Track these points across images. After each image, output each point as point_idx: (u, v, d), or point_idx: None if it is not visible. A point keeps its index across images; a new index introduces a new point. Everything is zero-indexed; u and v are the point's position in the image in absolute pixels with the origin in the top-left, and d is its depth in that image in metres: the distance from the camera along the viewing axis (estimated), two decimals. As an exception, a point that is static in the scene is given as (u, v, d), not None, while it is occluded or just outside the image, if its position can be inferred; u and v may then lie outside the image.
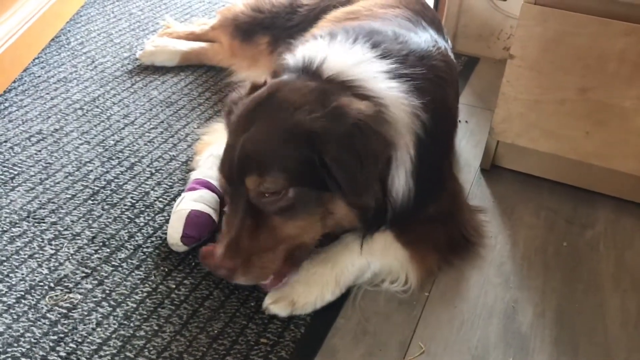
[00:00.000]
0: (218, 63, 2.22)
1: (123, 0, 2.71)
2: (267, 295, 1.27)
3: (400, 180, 1.25)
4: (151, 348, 1.19)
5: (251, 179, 1.16)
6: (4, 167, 1.63)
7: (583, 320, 1.34)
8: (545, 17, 1.50)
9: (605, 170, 1.63)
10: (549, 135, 1.63)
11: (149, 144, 1.78)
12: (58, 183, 1.59)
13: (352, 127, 1.14)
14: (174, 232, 1.36)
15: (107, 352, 1.17)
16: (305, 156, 1.14)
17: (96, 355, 1.16)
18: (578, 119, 1.58)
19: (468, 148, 1.89)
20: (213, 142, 1.61)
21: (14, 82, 2.00)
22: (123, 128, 1.84)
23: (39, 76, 2.07)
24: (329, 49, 1.29)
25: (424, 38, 1.47)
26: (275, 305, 1.26)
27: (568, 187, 1.74)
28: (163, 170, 1.67)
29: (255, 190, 1.16)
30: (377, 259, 1.33)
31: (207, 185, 1.45)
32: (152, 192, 1.59)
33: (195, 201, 1.40)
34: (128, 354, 1.17)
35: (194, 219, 1.36)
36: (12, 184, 1.57)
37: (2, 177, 1.59)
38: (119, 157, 1.71)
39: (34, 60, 2.14)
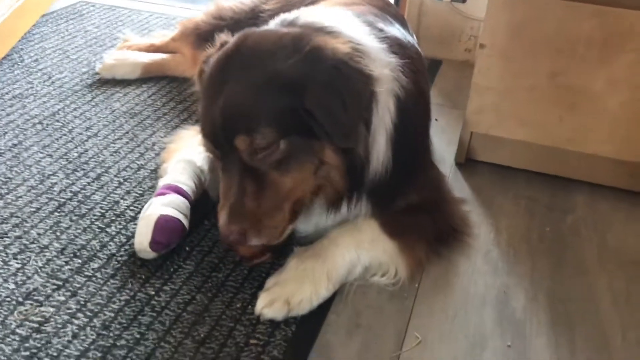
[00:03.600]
0: (181, 74, 2.17)
1: (77, 18, 2.64)
2: (259, 299, 1.21)
3: (381, 140, 1.23)
4: (134, 357, 1.11)
5: (240, 139, 1.11)
6: (-40, 183, 1.53)
7: (575, 303, 1.32)
8: (513, 4, 1.51)
9: (581, 156, 1.64)
10: (522, 123, 1.63)
11: (114, 154, 1.71)
12: (20, 197, 1.50)
13: (331, 69, 1.11)
14: (142, 238, 1.29)
15: (86, 364, 1.08)
16: (289, 105, 1.11)
17: (74, 369, 1.08)
18: (550, 104, 1.59)
19: (441, 145, 1.88)
20: (180, 149, 1.55)
21: (-34, 99, 1.90)
22: (86, 140, 1.76)
23: (-8, 93, 1.97)
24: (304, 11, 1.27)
25: (396, 30, 1.46)
26: (270, 308, 1.19)
27: (544, 175, 1.74)
28: (131, 179, 1.60)
29: (247, 150, 1.12)
30: (366, 251, 1.29)
31: (177, 190, 1.39)
32: (121, 201, 1.52)
33: (164, 205, 1.33)
34: (109, 364, 1.09)
35: (163, 223, 1.29)
36: (-31, 200, 1.47)
37: (-42, 194, 1.49)
38: (84, 169, 1.63)
39: (-15, 77, 2.04)
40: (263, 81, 1.13)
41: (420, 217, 1.38)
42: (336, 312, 1.25)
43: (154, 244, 1.28)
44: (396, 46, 1.32)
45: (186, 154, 1.49)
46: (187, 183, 1.40)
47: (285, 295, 1.20)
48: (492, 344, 1.20)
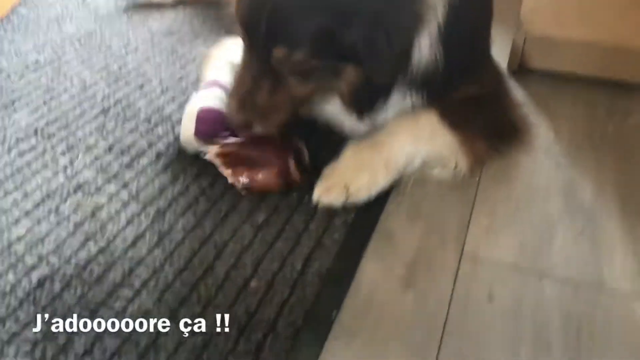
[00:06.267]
0: (217, 1, 2.10)
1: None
2: (316, 187, 1.17)
3: (425, 41, 1.16)
4: (192, 239, 1.08)
5: (279, 50, 1.09)
6: (3, 93, 1.49)
7: (644, 194, 1.25)
8: None
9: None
10: (581, 20, 1.54)
11: (155, 67, 1.66)
12: (63, 103, 1.47)
13: (384, 2, 1.07)
14: (186, 130, 1.26)
15: (143, 246, 1.05)
16: (335, 30, 1.07)
17: (131, 250, 1.04)
18: (613, -2, 1.50)
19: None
20: (222, 52, 1.50)
21: (0, 21, 1.86)
22: (125, 55, 1.72)
23: (28, 16, 1.93)
24: None
25: None
26: (328, 194, 1.16)
27: (604, 82, 1.65)
28: (174, 88, 1.56)
29: (279, 59, 1.11)
30: (425, 142, 1.23)
31: (218, 84, 1.34)
32: (166, 106, 1.48)
33: (205, 98, 1.29)
34: (167, 245, 1.06)
35: (205, 114, 1.26)
36: (13, 107, 1.44)
37: (2, 101, 1.46)
38: (125, 79, 1.59)
39: (19, 1, 2.00)
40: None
41: (480, 111, 1.31)
42: (395, 202, 1.20)
43: (198, 133, 1.24)
44: None
45: (226, 54, 1.44)
46: (227, 78, 1.35)
47: (343, 182, 1.16)
48: (562, 229, 1.15)
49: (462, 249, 1.09)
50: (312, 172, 1.20)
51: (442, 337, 0.92)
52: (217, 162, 1.19)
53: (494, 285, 1.02)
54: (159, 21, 1.94)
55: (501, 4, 1.37)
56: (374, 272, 1.04)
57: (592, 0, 1.52)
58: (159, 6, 2.05)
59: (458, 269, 1.04)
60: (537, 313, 0.97)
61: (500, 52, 1.73)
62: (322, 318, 0.94)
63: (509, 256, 1.08)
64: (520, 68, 1.70)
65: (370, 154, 1.19)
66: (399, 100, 1.26)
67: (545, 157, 1.36)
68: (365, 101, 1.23)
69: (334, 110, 1.28)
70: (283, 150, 1.20)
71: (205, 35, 1.86)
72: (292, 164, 1.18)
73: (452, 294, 0.99)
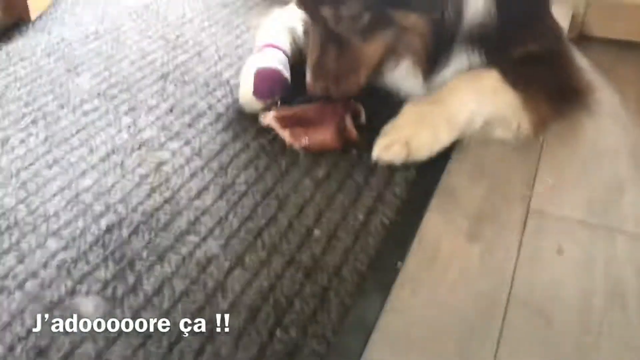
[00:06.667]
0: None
1: None
2: (376, 144, 1.15)
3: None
4: (255, 191, 1.08)
5: (325, 9, 1.12)
6: (66, 59, 1.53)
7: None
8: None
9: None
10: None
11: (211, 36, 1.68)
12: (123, 69, 1.49)
13: None
14: (245, 90, 1.27)
15: (208, 197, 1.06)
16: None
17: (197, 200, 1.05)
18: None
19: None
20: (275, 18, 1.51)
21: (62, -5, 1.91)
22: (182, 25, 1.74)
23: (86, -9, 1.97)
24: None
25: None
26: (388, 151, 1.14)
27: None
28: (231, 55, 1.57)
29: (332, 18, 1.13)
30: (488, 100, 1.20)
31: (273, 46, 1.35)
32: (224, 72, 1.49)
33: (261, 60, 1.29)
34: (230, 196, 1.06)
35: (263, 73, 1.26)
36: (76, 72, 1.48)
37: (66, 66, 1.49)
38: (183, 47, 1.61)
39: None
40: None
41: (542, 70, 1.27)
42: (457, 161, 1.18)
43: (257, 92, 1.24)
44: None
45: (279, 19, 1.45)
46: (281, 39, 1.36)
47: (403, 138, 1.14)
48: (632, 187, 1.11)
49: (528, 206, 1.06)
50: (371, 132, 1.18)
51: (510, 287, 0.90)
52: (275, 125, 1.19)
53: (563, 240, 0.99)
54: (213, -5, 1.95)
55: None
56: (438, 226, 1.02)
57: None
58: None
59: (525, 224, 1.02)
60: (610, 266, 0.94)
61: (560, 21, 1.69)
62: (386, 267, 0.93)
63: (577, 213, 1.05)
64: (581, 36, 1.65)
65: (431, 110, 1.18)
66: (457, 59, 1.24)
67: (611, 120, 1.31)
68: (436, 56, 1.21)
69: (399, 74, 1.27)
70: (339, 109, 1.19)
71: (259, 7, 1.87)
72: (349, 121, 1.18)
73: (519, 248, 0.97)
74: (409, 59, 1.23)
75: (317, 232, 0.99)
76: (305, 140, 1.16)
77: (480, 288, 0.90)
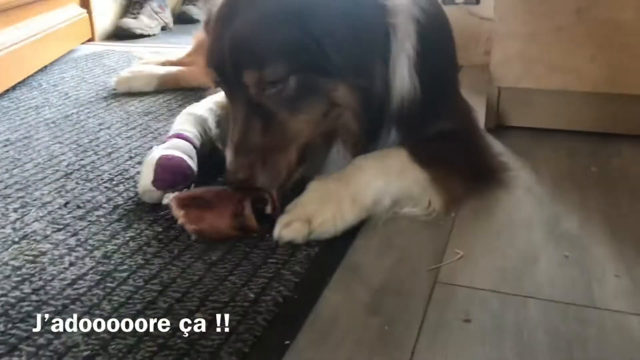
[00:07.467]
0: (197, 84, 2.13)
1: (97, 58, 2.66)
2: (277, 222, 1.08)
3: (403, 68, 1.13)
4: (137, 278, 0.98)
5: (249, 74, 1.05)
6: (-34, 165, 1.46)
7: (633, 222, 1.16)
8: (528, -61, 1.46)
9: (618, 101, 1.51)
10: (552, 68, 1.53)
11: (126, 139, 1.65)
12: (26, 171, 1.43)
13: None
14: (145, 179, 1.20)
15: (82, 285, 0.96)
16: (300, 38, 1.04)
17: (69, 288, 0.95)
18: (580, 44, 1.50)
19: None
20: (189, 109, 1.48)
21: (-20, 111, 1.88)
22: (98, 131, 1.71)
23: (8, 107, 1.95)
24: None
25: None
26: (289, 229, 1.06)
27: (583, 133, 1.60)
28: (143, 154, 1.52)
29: (254, 85, 1.05)
30: (394, 179, 1.16)
31: (179, 136, 1.31)
32: (131, 169, 1.43)
33: (165, 148, 1.25)
34: (108, 284, 0.96)
35: (165, 161, 1.20)
36: (-27, 176, 1.40)
37: (-37, 171, 1.42)
38: (94, 150, 1.56)
39: (2, 95, 2.04)
40: (272, 12, 1.07)
41: (453, 148, 1.25)
42: (365, 238, 1.11)
43: (156, 181, 1.18)
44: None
45: (190, 108, 1.43)
46: (189, 130, 1.33)
47: (305, 215, 1.08)
48: (547, 255, 1.05)
49: (436, 277, 0.98)
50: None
51: (411, 358, 0.79)
52: (173, 204, 1.12)
53: (471, 309, 0.90)
54: (137, 105, 1.95)
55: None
56: (337, 301, 0.93)
57: (559, 48, 1.51)
58: (140, 93, 2.08)
59: (431, 295, 0.93)
60: (521, 332, 0.85)
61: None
62: (272, 346, 0.82)
63: (488, 282, 0.97)
64: (499, 126, 1.66)
65: (335, 186, 1.12)
66: (384, 138, 1.21)
67: (526, 194, 1.28)
68: (368, 133, 1.15)
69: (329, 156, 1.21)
70: (239, 194, 1.10)
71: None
72: (247, 207, 1.08)
73: (423, 318, 0.88)
74: (341, 138, 1.17)
75: (198, 315, 0.88)
76: (195, 226, 1.07)
77: (378, 361, 0.79)
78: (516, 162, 1.43)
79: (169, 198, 1.14)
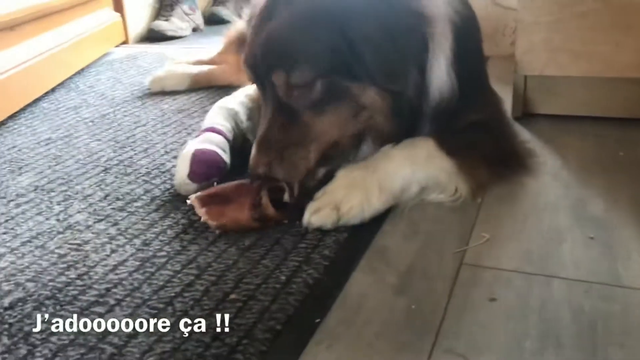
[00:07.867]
0: (229, 83, 2.18)
1: (131, 60, 2.74)
2: (306, 209, 1.12)
3: (441, 69, 1.16)
4: (174, 263, 1.03)
5: (277, 75, 1.09)
6: (12, 162, 1.54)
7: (662, 206, 1.17)
8: None
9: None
10: (577, 55, 1.54)
11: (162, 135, 1.71)
12: (67, 167, 1.50)
13: (380, 2, 1.07)
14: (181, 172, 1.25)
15: (123, 271, 1.01)
16: (332, 42, 1.07)
17: (111, 274, 1.00)
18: (604, 30, 1.50)
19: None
20: (221, 103, 1.53)
21: (24, 111, 1.97)
22: (134, 129, 1.77)
23: (48, 108, 2.03)
24: None
25: None
26: (318, 215, 1.10)
27: (610, 119, 1.60)
28: (178, 149, 1.58)
29: (283, 86, 1.09)
30: (421, 167, 1.18)
31: (212, 129, 1.36)
32: (168, 163, 1.49)
33: (199, 142, 1.30)
34: (148, 269, 1.01)
35: (200, 155, 1.26)
36: (19, 172, 1.48)
37: (10, 168, 1.50)
38: (131, 146, 1.63)
39: (42, 97, 2.12)
40: (307, 14, 1.11)
41: (479, 136, 1.27)
42: (392, 223, 1.14)
43: (191, 174, 1.23)
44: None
45: (222, 102, 1.47)
46: (222, 123, 1.38)
47: (333, 202, 1.11)
48: (572, 237, 1.06)
49: (462, 259, 1.01)
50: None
51: (436, 337, 0.82)
52: (195, 204, 1.16)
53: (496, 288, 0.93)
54: (170, 103, 2.02)
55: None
56: (365, 283, 0.97)
57: (583, 35, 1.51)
58: (173, 92, 2.14)
59: (457, 276, 0.96)
60: (545, 309, 0.87)
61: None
62: (304, 324, 0.86)
63: (513, 263, 0.99)
64: (526, 114, 1.67)
65: (363, 174, 1.15)
66: (417, 133, 1.23)
67: (553, 179, 1.29)
68: (399, 135, 1.18)
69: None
70: (257, 186, 1.13)
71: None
72: (264, 197, 1.11)
73: (449, 298, 0.91)
74: (371, 138, 1.20)
75: (233, 296, 0.93)
76: (216, 220, 1.11)
77: (403, 339, 0.83)
78: (543, 149, 1.44)
79: (190, 199, 1.17)
